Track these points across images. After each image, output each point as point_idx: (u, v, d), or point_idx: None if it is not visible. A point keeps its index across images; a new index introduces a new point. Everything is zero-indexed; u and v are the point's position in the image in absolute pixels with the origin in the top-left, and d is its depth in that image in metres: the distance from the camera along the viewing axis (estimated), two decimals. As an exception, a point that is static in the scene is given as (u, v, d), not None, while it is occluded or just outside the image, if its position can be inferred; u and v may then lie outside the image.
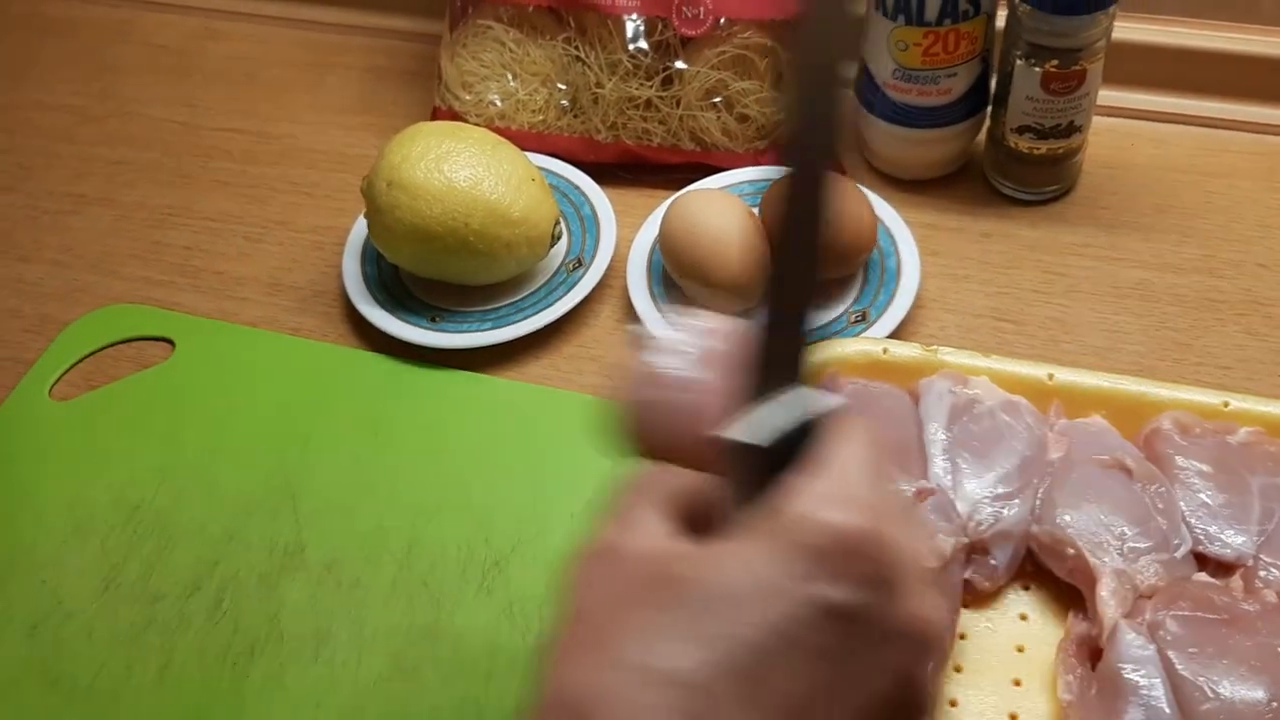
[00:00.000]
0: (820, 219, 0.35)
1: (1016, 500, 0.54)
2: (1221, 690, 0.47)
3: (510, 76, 0.76)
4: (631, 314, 0.68)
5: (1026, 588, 0.54)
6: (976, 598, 0.53)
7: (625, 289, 0.69)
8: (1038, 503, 0.54)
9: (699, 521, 0.35)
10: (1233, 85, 0.75)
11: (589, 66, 0.73)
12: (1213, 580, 0.51)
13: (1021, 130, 0.68)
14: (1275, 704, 0.46)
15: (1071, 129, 0.68)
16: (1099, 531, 0.52)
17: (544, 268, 0.70)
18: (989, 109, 0.71)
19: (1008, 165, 0.71)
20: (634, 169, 0.75)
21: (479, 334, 0.67)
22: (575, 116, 0.75)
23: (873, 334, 0.63)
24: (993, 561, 0.53)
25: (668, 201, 0.69)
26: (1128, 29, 0.74)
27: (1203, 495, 0.53)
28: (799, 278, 0.36)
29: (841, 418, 0.35)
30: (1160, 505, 0.53)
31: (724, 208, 0.64)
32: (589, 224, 0.71)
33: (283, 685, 0.55)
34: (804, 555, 0.32)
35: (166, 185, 0.81)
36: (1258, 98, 0.75)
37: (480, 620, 0.56)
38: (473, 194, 0.64)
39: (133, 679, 0.55)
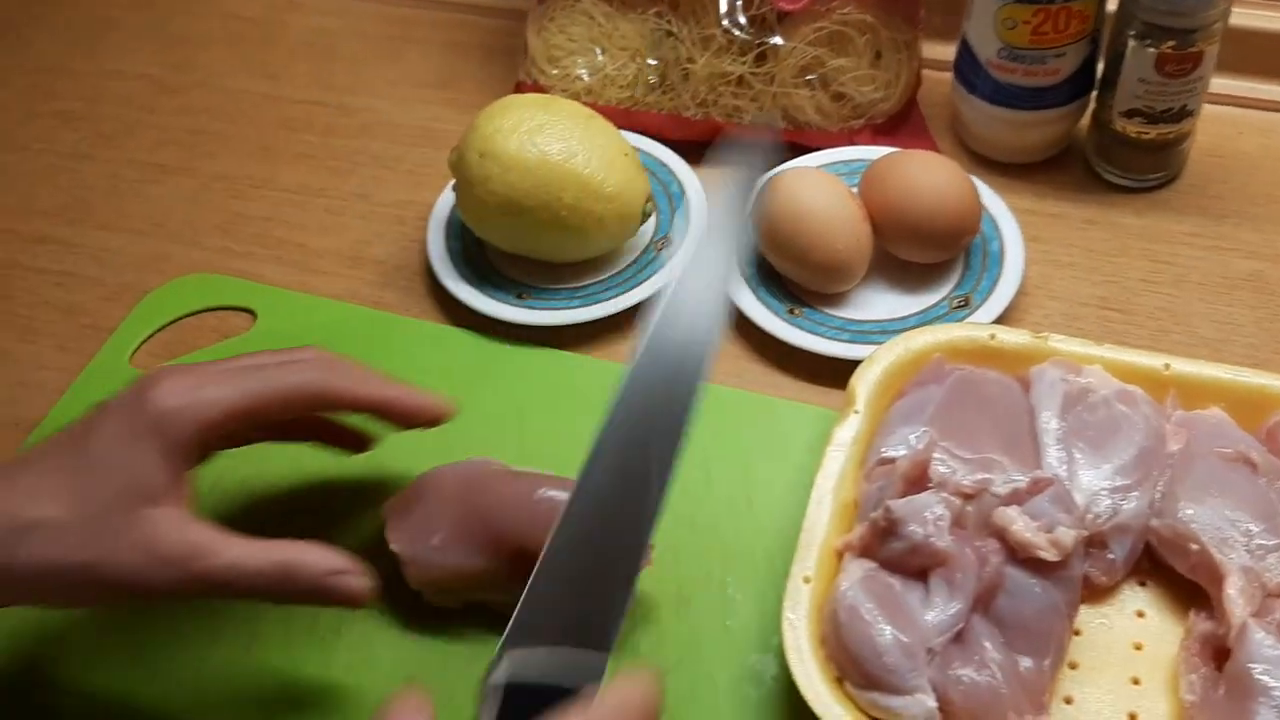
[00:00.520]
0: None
1: (1135, 493, 0.52)
2: (1360, 695, 0.44)
3: (598, 51, 0.74)
4: (722, 294, 0.66)
5: (1143, 584, 0.52)
6: (1092, 593, 0.51)
7: (715, 269, 0.68)
8: (1158, 496, 0.52)
9: None
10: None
11: (681, 41, 0.72)
12: (1344, 581, 0.49)
13: (1130, 114, 0.66)
14: None
15: (1183, 113, 0.65)
16: (1224, 527, 0.50)
17: (632, 246, 0.69)
18: (1095, 92, 0.69)
19: (1113, 150, 0.69)
20: (722, 148, 0.73)
21: (567, 311, 0.65)
22: (664, 93, 0.73)
23: (976, 320, 0.61)
24: (1110, 555, 0.51)
25: (761, 180, 0.67)
26: (1237, 14, 0.71)
27: (1332, 492, 0.51)
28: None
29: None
30: (1288, 501, 0.51)
31: (824, 186, 0.62)
32: (678, 202, 0.70)
33: (371, 660, 0.53)
34: None
35: (247, 157, 0.80)
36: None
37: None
38: (566, 167, 0.63)
39: (218, 650, 0.55)
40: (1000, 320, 0.62)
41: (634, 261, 0.68)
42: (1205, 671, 0.48)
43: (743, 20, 0.70)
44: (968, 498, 0.52)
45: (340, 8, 0.91)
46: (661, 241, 0.68)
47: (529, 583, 0.40)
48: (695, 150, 0.73)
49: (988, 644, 0.48)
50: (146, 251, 0.75)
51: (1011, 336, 0.57)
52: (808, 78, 0.71)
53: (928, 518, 0.49)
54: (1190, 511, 0.50)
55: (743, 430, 0.60)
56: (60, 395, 0.66)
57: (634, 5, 0.74)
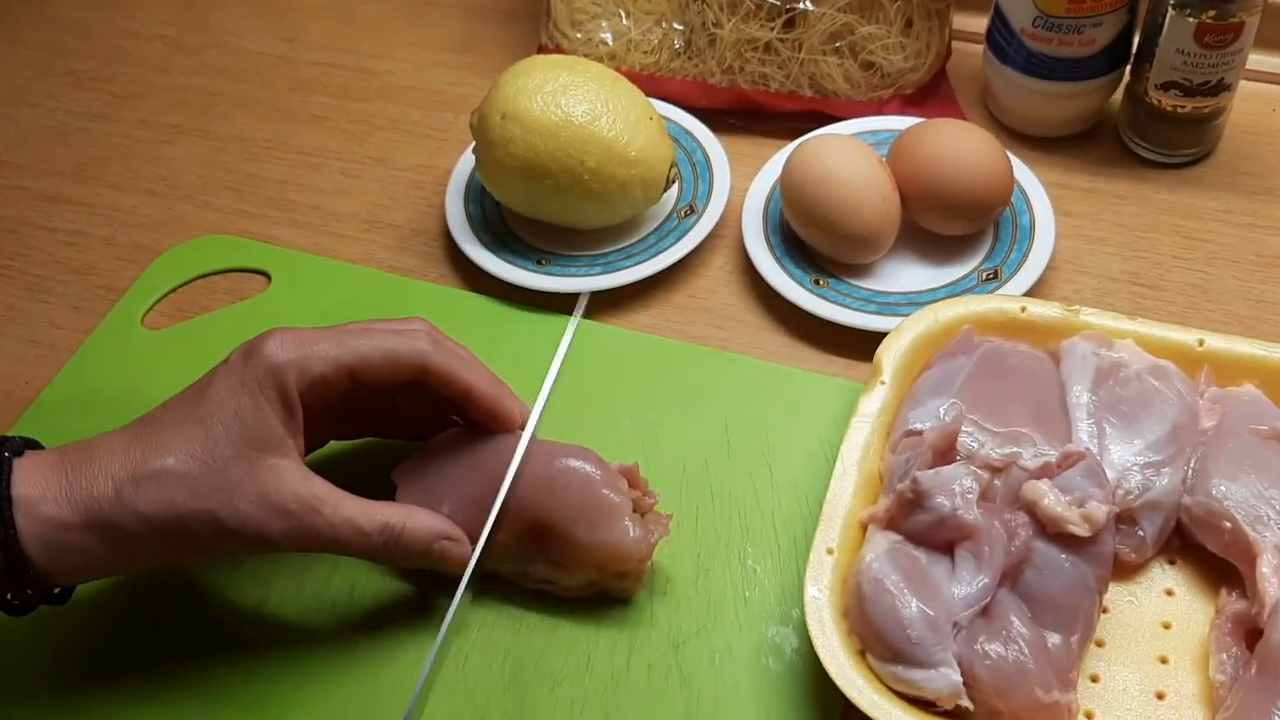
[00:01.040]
0: None
1: (1167, 469, 0.51)
2: (1398, 677, 0.43)
3: (623, 14, 0.73)
4: (746, 265, 0.65)
5: (1172, 562, 0.51)
6: (1120, 570, 0.50)
7: (738, 239, 0.67)
8: (1190, 473, 0.51)
9: None
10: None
11: (708, 5, 0.70)
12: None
13: (1167, 86, 0.64)
14: None
15: (1220, 87, 0.64)
16: (1258, 505, 0.49)
17: (655, 213, 0.67)
18: (1130, 64, 0.67)
19: (1146, 124, 0.67)
20: (746, 115, 0.72)
21: (587, 278, 0.64)
22: (689, 58, 0.72)
23: (1006, 292, 0.60)
24: (1140, 532, 0.50)
25: (788, 148, 0.66)
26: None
27: (1369, 472, 0.50)
28: None
29: None
30: (1325, 480, 0.49)
31: (854, 155, 0.61)
32: (701, 170, 0.69)
33: (384, 625, 0.53)
34: None
35: (262, 118, 0.79)
36: None
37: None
38: (590, 130, 0.62)
39: (228, 615, 0.54)
40: (1030, 294, 0.61)
41: (656, 229, 0.67)
42: (1236, 651, 0.47)
43: (772, -16, 0.69)
44: (996, 471, 0.51)
45: (359, -30, 0.89)
46: (685, 210, 0.67)
47: None
48: (717, 119, 0.72)
49: (1015, 619, 0.47)
50: (159, 212, 0.74)
51: (1043, 309, 0.56)
52: (836, 45, 0.69)
53: (955, 490, 0.48)
54: (1223, 489, 0.49)
55: (765, 401, 0.59)
56: (71, 354, 0.65)
57: (660, -31, 0.72)
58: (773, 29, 0.70)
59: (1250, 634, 0.47)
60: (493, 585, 0.53)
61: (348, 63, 0.82)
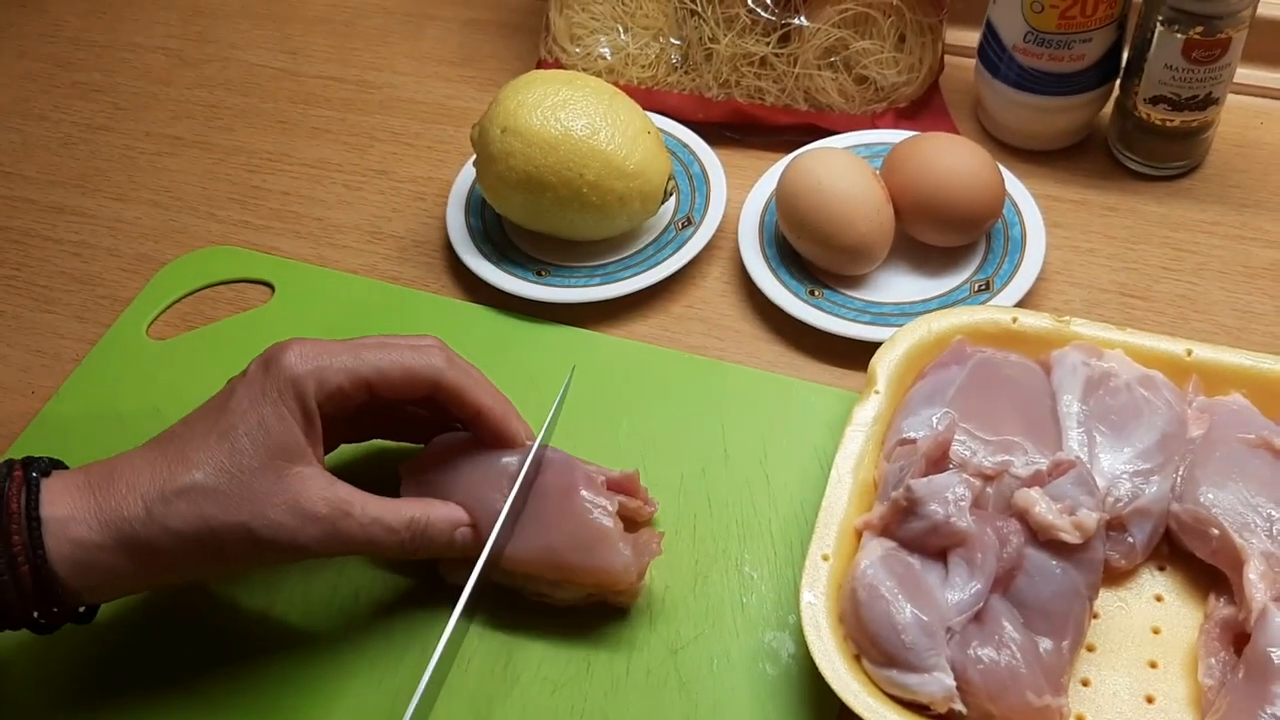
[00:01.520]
0: None
1: (1156, 477, 0.52)
2: (1381, 680, 0.44)
3: (621, 30, 0.74)
4: (743, 276, 0.66)
5: (1162, 569, 0.52)
6: (1110, 576, 0.51)
7: (735, 250, 0.68)
8: (1179, 480, 0.52)
9: None
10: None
11: (704, 20, 0.71)
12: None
13: (1155, 100, 0.65)
14: None
15: (1208, 101, 0.65)
16: (1245, 512, 0.50)
17: (652, 225, 0.68)
18: (1119, 79, 0.68)
19: (1135, 138, 0.68)
20: (742, 129, 0.73)
21: (586, 289, 0.65)
22: (686, 73, 0.73)
23: (998, 303, 0.61)
24: (1130, 539, 0.51)
25: (783, 161, 0.67)
26: (1264, 4, 0.71)
27: (1354, 480, 0.51)
28: None
29: None
30: (1310, 488, 0.51)
31: (848, 168, 0.62)
32: (698, 182, 0.70)
33: (388, 631, 0.54)
34: None
35: (265, 131, 0.80)
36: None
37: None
38: (589, 144, 0.63)
39: (234, 623, 0.55)
40: (1021, 305, 0.62)
41: (653, 241, 0.68)
42: (1224, 656, 0.48)
43: (768, 0, 0.70)
44: (988, 479, 0.52)
45: (360, -16, 0.91)
46: (682, 221, 0.68)
47: None
48: (713, 133, 0.73)
49: (1007, 624, 0.48)
50: (163, 223, 0.75)
51: (1034, 320, 0.57)
52: (831, 60, 0.71)
53: (949, 498, 0.49)
54: (1211, 496, 0.50)
55: (761, 410, 0.60)
56: (76, 364, 0.66)
57: (657, -16, 0.74)
58: (768, 44, 0.71)
59: (1238, 639, 0.48)
60: (495, 593, 0.53)
61: (349, 76, 0.83)
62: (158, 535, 0.46)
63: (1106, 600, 0.51)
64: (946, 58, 0.74)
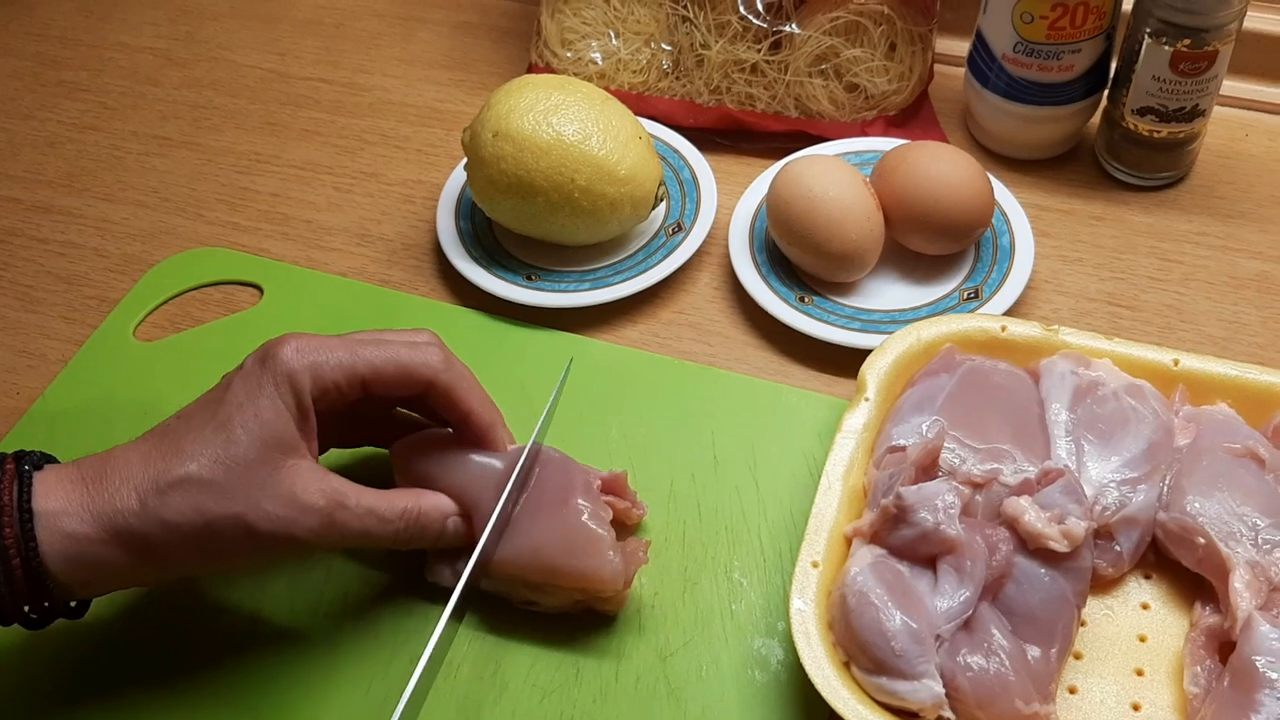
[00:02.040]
0: None
1: (1143, 486, 0.52)
2: (1365, 689, 0.45)
3: (613, 35, 0.74)
4: (733, 282, 0.66)
5: (1148, 577, 0.53)
6: (1097, 584, 0.52)
7: (725, 257, 0.68)
8: (1165, 489, 0.52)
9: None
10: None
11: (696, 27, 0.72)
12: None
13: (1143, 112, 0.66)
14: None
15: (1195, 113, 0.66)
16: (1231, 521, 0.50)
17: (643, 230, 0.68)
18: (1107, 90, 0.69)
19: (1123, 148, 0.69)
20: (733, 135, 0.73)
21: (576, 294, 0.65)
22: (677, 79, 0.73)
23: (986, 311, 0.62)
24: (1117, 547, 0.51)
25: (774, 168, 0.67)
26: (1250, 17, 0.71)
27: (1338, 490, 0.51)
28: None
29: None
30: (1295, 498, 0.51)
31: (838, 175, 0.62)
32: (689, 188, 0.70)
33: (376, 634, 0.53)
34: None
35: (254, 132, 0.80)
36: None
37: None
38: (581, 149, 0.63)
39: (221, 624, 0.54)
40: (1010, 313, 0.62)
41: (644, 246, 0.68)
42: (1210, 664, 0.48)
43: (759, 7, 0.70)
44: (977, 487, 0.52)
45: (350, -14, 0.90)
46: (672, 227, 0.68)
47: None
48: (704, 139, 0.73)
49: (996, 632, 0.48)
50: (151, 224, 0.74)
51: (1023, 329, 0.58)
52: (822, 67, 0.71)
53: (938, 505, 0.49)
54: (1197, 505, 0.51)
55: (751, 416, 0.60)
56: (62, 365, 0.66)
57: (649, -10, 0.74)
58: (759, 51, 0.71)
59: (1223, 647, 0.49)
60: (483, 598, 0.53)
61: (339, 78, 0.83)
62: (151, 528, 0.45)
63: (1094, 608, 0.52)
64: (936, 67, 0.74)
